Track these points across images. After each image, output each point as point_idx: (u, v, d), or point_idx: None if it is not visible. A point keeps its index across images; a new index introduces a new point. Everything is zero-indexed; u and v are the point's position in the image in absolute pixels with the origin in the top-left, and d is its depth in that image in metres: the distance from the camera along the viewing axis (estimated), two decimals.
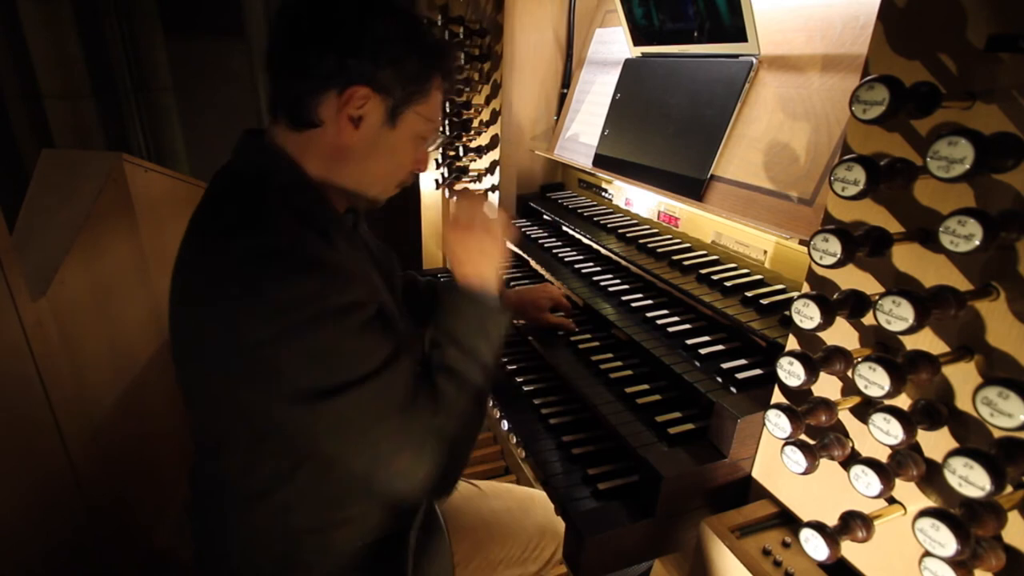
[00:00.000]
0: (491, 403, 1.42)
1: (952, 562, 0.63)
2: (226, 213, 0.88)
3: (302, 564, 1.04)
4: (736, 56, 1.33)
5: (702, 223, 1.47)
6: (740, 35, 1.28)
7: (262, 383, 0.84)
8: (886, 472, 0.74)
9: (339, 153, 0.91)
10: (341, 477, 0.97)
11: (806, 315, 0.75)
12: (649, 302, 1.38)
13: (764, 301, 1.17)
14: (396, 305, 1.11)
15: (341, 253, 0.92)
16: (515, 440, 1.30)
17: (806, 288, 0.88)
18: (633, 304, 1.38)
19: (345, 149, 0.91)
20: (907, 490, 0.76)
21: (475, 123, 2.16)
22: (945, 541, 0.62)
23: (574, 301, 1.56)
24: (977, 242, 0.59)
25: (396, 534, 1.11)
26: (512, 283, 1.73)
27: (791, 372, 0.79)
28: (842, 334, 0.83)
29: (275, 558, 1.03)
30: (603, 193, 1.89)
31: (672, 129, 1.48)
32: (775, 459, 0.97)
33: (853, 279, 0.81)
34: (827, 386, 0.86)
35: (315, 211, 0.91)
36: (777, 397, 0.96)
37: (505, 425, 1.34)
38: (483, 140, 2.15)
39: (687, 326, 1.28)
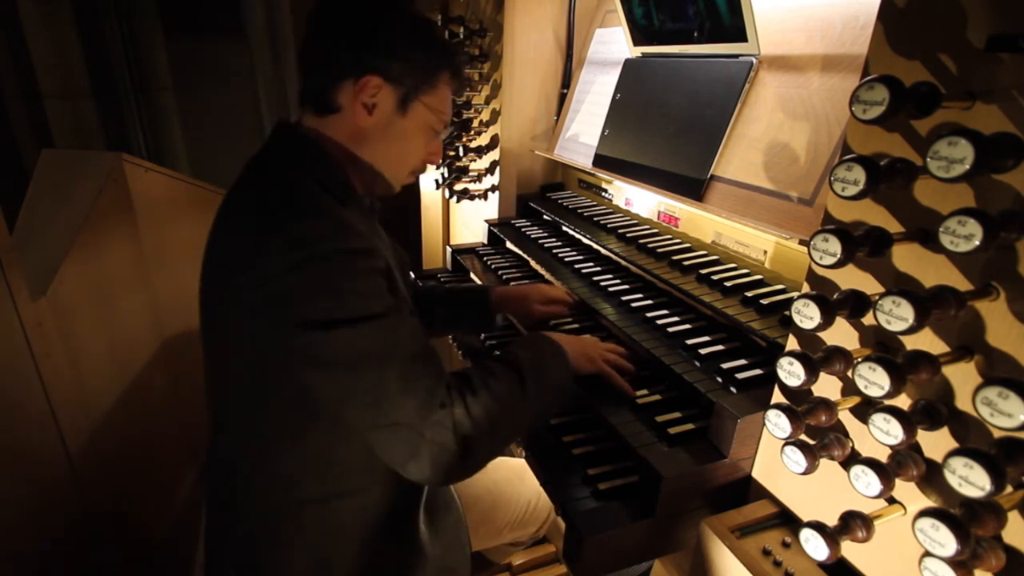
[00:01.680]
0: None
1: (952, 562, 0.63)
2: (254, 186, 0.99)
3: (304, 536, 1.06)
4: (736, 56, 1.33)
5: (702, 223, 1.47)
6: (740, 35, 1.28)
7: (273, 313, 0.89)
8: (886, 472, 0.74)
9: (356, 136, 1.02)
10: (344, 445, 1.00)
11: (806, 315, 0.75)
12: (649, 302, 1.38)
13: (764, 301, 1.17)
14: (408, 298, 1.15)
15: (354, 219, 0.99)
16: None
17: (806, 288, 0.88)
18: (633, 304, 1.38)
19: (361, 132, 1.02)
20: (907, 490, 0.76)
21: (475, 123, 2.16)
22: (945, 541, 0.62)
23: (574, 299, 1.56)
24: (977, 242, 0.59)
25: (404, 511, 1.13)
26: (511, 284, 1.73)
27: (791, 372, 0.79)
28: (842, 334, 0.83)
29: (277, 530, 1.06)
30: (603, 193, 1.89)
31: (672, 129, 1.48)
32: (775, 459, 0.97)
33: (853, 279, 0.82)
34: (827, 386, 0.86)
35: (334, 183, 1.00)
36: (777, 397, 0.96)
37: None
38: (483, 140, 2.15)
39: (687, 326, 1.28)
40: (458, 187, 2.20)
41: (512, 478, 1.55)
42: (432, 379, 0.91)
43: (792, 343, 0.92)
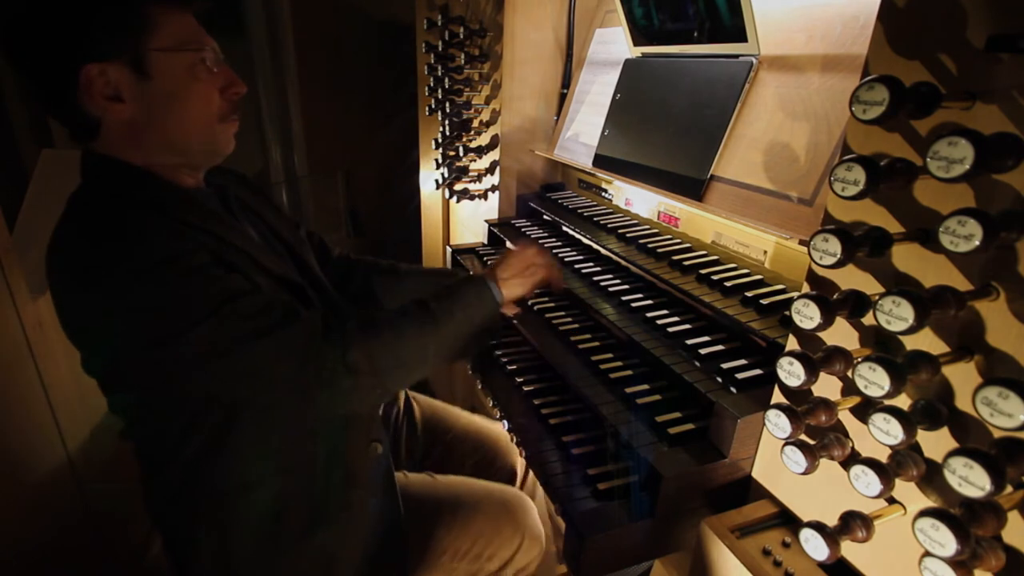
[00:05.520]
0: (491, 403, 1.42)
1: (952, 562, 0.63)
2: (68, 222, 0.94)
3: (206, 532, 1.08)
4: (736, 56, 1.33)
5: (702, 223, 1.47)
6: (740, 35, 1.28)
7: (113, 338, 0.89)
8: (886, 472, 0.74)
9: (132, 131, 0.93)
10: (231, 437, 1.01)
11: (806, 315, 0.75)
12: (649, 302, 1.38)
13: (764, 301, 1.17)
14: (299, 273, 1.14)
15: (178, 214, 0.94)
16: (514, 440, 1.30)
17: (806, 288, 0.88)
18: (633, 304, 1.38)
19: (132, 124, 0.92)
20: (907, 490, 0.76)
21: (475, 123, 2.16)
22: (945, 541, 0.62)
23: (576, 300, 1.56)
24: (977, 242, 0.59)
25: (314, 507, 1.11)
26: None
27: (791, 372, 0.79)
28: (842, 334, 0.83)
29: (187, 528, 1.10)
30: (603, 193, 1.89)
31: (672, 129, 1.48)
32: (775, 459, 0.97)
33: (853, 279, 0.81)
34: (827, 386, 0.86)
35: (140, 189, 0.94)
36: (777, 397, 0.96)
37: (505, 425, 1.34)
38: (483, 140, 2.15)
39: (687, 326, 1.27)
40: (458, 187, 2.20)
41: (464, 501, 1.30)
42: (302, 337, 0.91)
43: (792, 343, 0.92)
